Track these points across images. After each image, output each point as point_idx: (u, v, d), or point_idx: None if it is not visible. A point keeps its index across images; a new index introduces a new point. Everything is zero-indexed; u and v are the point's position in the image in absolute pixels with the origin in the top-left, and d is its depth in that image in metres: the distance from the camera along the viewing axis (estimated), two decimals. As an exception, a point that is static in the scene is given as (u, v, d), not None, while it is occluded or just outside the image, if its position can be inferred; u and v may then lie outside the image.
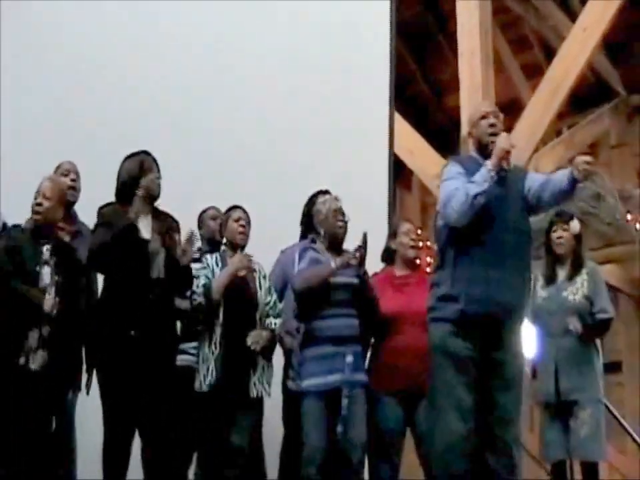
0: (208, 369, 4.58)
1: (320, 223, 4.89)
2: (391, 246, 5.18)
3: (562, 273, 5.44)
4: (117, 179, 4.57)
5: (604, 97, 12.41)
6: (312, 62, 6.56)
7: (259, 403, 4.75)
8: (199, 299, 4.64)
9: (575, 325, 5.22)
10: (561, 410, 5.26)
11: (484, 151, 4.21)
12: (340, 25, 6.81)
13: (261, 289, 4.83)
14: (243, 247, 4.89)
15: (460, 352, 4.05)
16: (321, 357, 4.65)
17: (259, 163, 6.18)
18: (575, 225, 5.45)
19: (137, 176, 4.51)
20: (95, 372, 4.45)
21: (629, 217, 9.93)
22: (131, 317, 4.32)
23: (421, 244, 9.43)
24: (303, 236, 5.31)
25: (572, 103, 10.57)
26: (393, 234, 5.24)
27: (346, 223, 4.86)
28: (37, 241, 4.43)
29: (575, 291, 5.36)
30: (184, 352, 4.90)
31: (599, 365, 5.35)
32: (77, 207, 5.02)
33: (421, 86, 13.70)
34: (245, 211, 4.93)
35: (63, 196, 4.65)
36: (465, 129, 4.46)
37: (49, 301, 4.29)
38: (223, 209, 5.08)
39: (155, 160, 4.60)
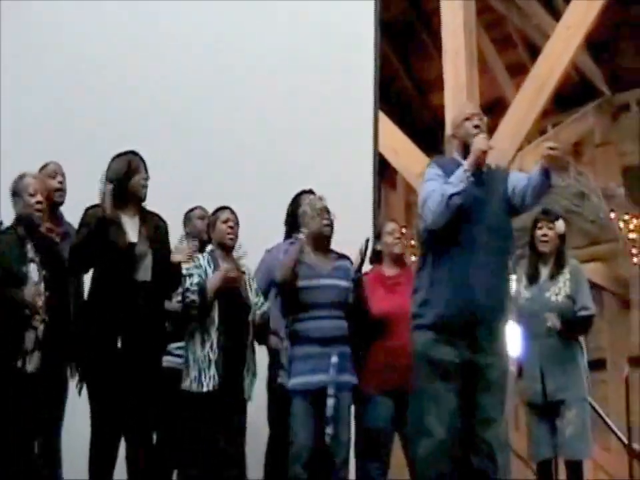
0: (202, 369, 4.58)
1: (306, 223, 4.89)
2: (376, 247, 5.19)
3: (544, 272, 5.45)
4: (104, 180, 4.55)
5: (588, 96, 12.44)
6: (296, 62, 6.55)
7: (245, 403, 4.76)
8: (193, 297, 4.64)
9: (553, 321, 5.24)
10: (547, 409, 5.27)
11: (467, 151, 4.20)
12: (324, 24, 6.79)
13: (251, 290, 4.85)
14: (231, 248, 4.89)
15: (443, 359, 4.04)
16: (306, 357, 4.67)
17: (243, 163, 6.17)
18: (561, 225, 5.47)
19: (124, 177, 4.50)
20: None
21: (612, 215, 9.96)
22: (117, 321, 4.31)
23: (405, 242, 9.48)
24: (288, 235, 5.31)
25: (556, 101, 10.59)
26: (377, 235, 5.25)
27: (332, 221, 4.86)
28: (22, 241, 4.41)
29: (558, 290, 5.37)
30: (168, 353, 4.88)
31: (583, 363, 5.38)
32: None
33: (405, 85, 13.71)
34: (233, 212, 4.93)
35: (51, 196, 4.66)
36: (449, 128, 4.44)
37: (29, 292, 4.27)
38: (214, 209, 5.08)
39: (142, 160, 4.58)
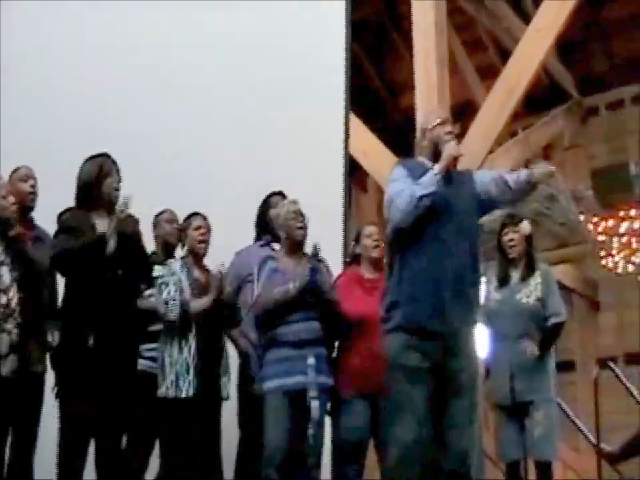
0: (180, 373, 4.56)
1: (279, 227, 4.88)
2: (355, 250, 5.19)
3: (515, 275, 5.48)
4: (76, 183, 4.54)
5: (558, 99, 12.52)
6: (266, 62, 6.54)
7: (221, 405, 4.77)
8: (173, 316, 4.62)
9: (531, 349, 5.28)
10: (515, 410, 5.29)
11: (437, 156, 4.20)
12: (294, 26, 6.79)
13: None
14: (203, 255, 4.88)
15: (413, 364, 4.02)
16: (280, 360, 4.66)
17: (213, 165, 6.14)
18: (525, 226, 5.48)
19: (96, 180, 4.47)
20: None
21: (581, 217, 10.01)
22: (88, 320, 4.28)
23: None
24: (258, 237, 5.30)
25: (526, 104, 10.62)
26: (356, 238, 5.24)
27: (305, 225, 4.85)
28: None
29: (529, 293, 5.39)
30: (139, 355, 4.86)
31: (552, 365, 5.40)
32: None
33: (376, 86, 13.73)
34: (205, 218, 4.92)
35: (23, 199, 4.67)
36: (418, 130, 4.44)
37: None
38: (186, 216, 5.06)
39: (114, 163, 4.57)
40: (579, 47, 12.07)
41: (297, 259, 4.80)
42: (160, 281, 4.68)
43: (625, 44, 12.05)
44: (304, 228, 4.84)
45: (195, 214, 4.94)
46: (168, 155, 6.01)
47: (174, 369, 4.59)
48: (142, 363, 4.83)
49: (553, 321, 5.41)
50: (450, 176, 4.10)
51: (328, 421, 4.88)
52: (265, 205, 5.27)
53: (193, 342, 4.61)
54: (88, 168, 4.53)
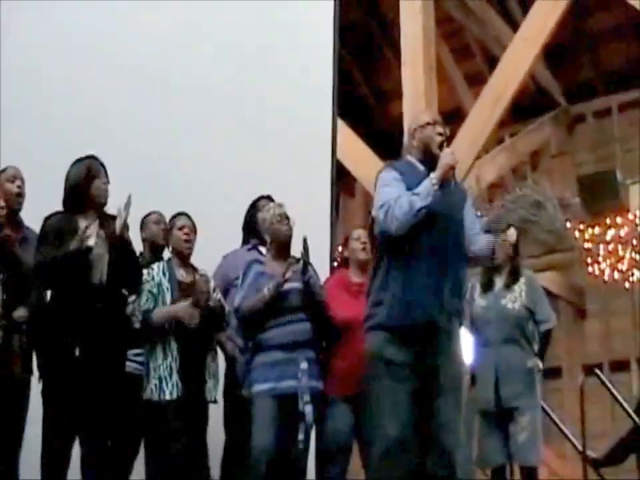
0: (163, 377, 4.56)
1: (265, 230, 4.88)
2: (343, 254, 5.20)
3: (499, 281, 5.50)
4: (64, 186, 4.52)
5: (545, 107, 12.58)
6: (253, 67, 6.53)
7: (207, 408, 4.75)
8: (137, 324, 4.63)
9: (537, 365, 5.33)
10: (500, 416, 5.31)
11: (427, 156, 4.19)
12: (283, 33, 6.78)
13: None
14: (188, 255, 4.87)
15: (397, 360, 4.01)
16: (272, 364, 4.63)
17: (202, 169, 6.13)
18: (512, 234, 5.47)
19: (84, 182, 4.47)
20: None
21: (568, 224, 10.05)
22: (73, 326, 4.26)
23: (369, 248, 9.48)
24: (245, 241, 5.31)
25: (514, 111, 10.67)
26: (344, 242, 5.24)
27: (291, 228, 4.86)
28: None
29: (514, 299, 5.41)
30: (127, 358, 4.86)
31: (536, 371, 5.42)
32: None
33: (364, 93, 13.75)
34: (189, 218, 4.91)
35: (10, 200, 4.65)
36: (407, 132, 4.43)
37: None
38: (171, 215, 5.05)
39: (102, 165, 4.55)
40: (566, 56, 12.13)
41: (282, 261, 4.80)
42: (139, 288, 4.70)
43: (612, 53, 12.12)
44: (289, 231, 4.84)
45: (180, 214, 4.93)
46: (155, 159, 5.97)
47: (157, 372, 4.58)
48: (130, 366, 4.83)
49: (544, 327, 5.44)
50: (443, 184, 4.09)
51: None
52: (253, 209, 5.28)
53: (175, 346, 4.59)
54: (75, 170, 4.50)
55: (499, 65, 8.79)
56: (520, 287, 5.45)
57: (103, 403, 4.31)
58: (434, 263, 4.04)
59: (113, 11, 6.04)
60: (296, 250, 4.84)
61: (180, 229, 4.85)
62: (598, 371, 7.64)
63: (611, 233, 10.04)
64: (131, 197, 4.37)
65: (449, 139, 4.31)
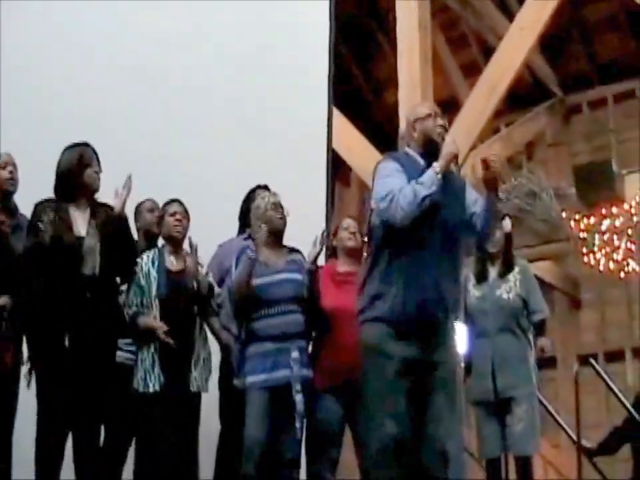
0: (147, 369, 4.56)
1: (259, 217, 4.88)
2: (332, 243, 5.19)
3: (493, 271, 5.50)
4: (55, 172, 4.50)
5: (541, 97, 12.58)
6: (250, 58, 6.53)
7: (197, 398, 4.72)
8: (127, 319, 4.64)
9: (547, 347, 5.35)
10: (496, 407, 5.31)
11: (427, 148, 4.14)
12: (279, 23, 6.77)
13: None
14: (180, 241, 4.85)
15: (395, 354, 3.96)
16: (264, 354, 4.62)
17: (199, 158, 6.13)
18: (507, 224, 5.48)
19: (76, 169, 4.44)
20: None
21: (563, 214, 10.06)
22: (64, 320, 4.26)
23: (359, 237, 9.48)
24: (241, 231, 5.30)
25: (509, 101, 10.67)
26: (334, 232, 5.23)
27: (285, 217, 4.85)
28: None
29: (509, 289, 5.42)
30: (118, 348, 4.85)
31: (532, 361, 5.43)
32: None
33: (359, 83, 13.74)
34: (181, 204, 4.89)
35: (2, 186, 4.63)
36: (403, 126, 4.39)
37: None
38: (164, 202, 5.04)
39: (95, 152, 4.53)
40: (562, 46, 12.13)
41: (275, 250, 4.80)
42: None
43: (607, 43, 12.12)
44: (283, 219, 4.84)
45: (172, 200, 4.91)
46: (152, 150, 5.98)
47: (143, 364, 4.58)
48: (121, 356, 4.82)
49: (537, 317, 5.45)
50: (445, 174, 4.06)
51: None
52: (249, 199, 5.27)
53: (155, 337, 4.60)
54: (67, 157, 4.48)
55: (495, 55, 8.79)
56: (514, 276, 5.45)
57: (94, 393, 4.30)
58: (437, 255, 3.99)
59: (113, 11, 6.04)
60: (289, 241, 4.84)
61: (172, 215, 4.85)
62: (593, 361, 7.65)
63: (606, 223, 10.03)
64: (131, 177, 4.36)
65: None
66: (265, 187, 5.26)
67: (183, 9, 6.34)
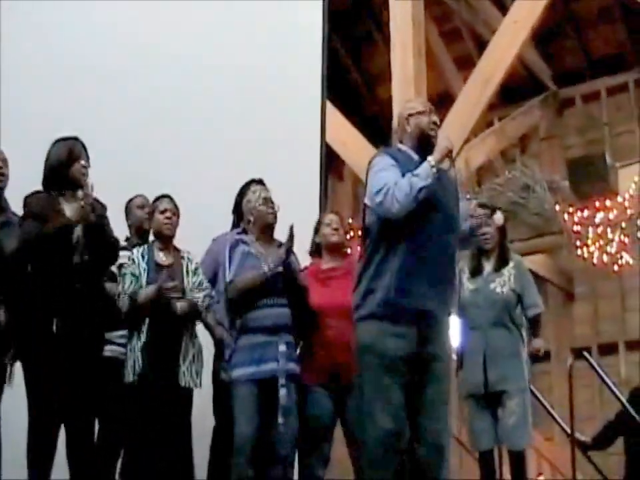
0: (135, 360, 4.56)
1: (250, 211, 4.88)
2: (315, 240, 5.18)
3: (488, 265, 5.50)
4: (44, 165, 4.49)
5: (534, 90, 12.59)
6: (242, 51, 6.52)
7: (188, 393, 4.72)
8: (124, 308, 4.62)
9: (542, 347, 5.38)
10: (488, 400, 5.32)
11: (421, 143, 4.15)
12: (272, 17, 6.78)
13: (187, 273, 4.81)
14: (170, 238, 4.86)
15: (390, 351, 3.96)
16: (252, 346, 4.62)
17: (192, 153, 6.13)
18: (499, 218, 5.48)
19: (65, 163, 4.43)
20: (19, 362, 4.38)
21: (557, 207, 10.06)
22: (52, 306, 4.25)
23: (352, 233, 9.48)
24: (235, 225, 5.30)
25: (503, 95, 10.69)
26: (316, 228, 5.22)
27: (275, 211, 4.85)
28: None
29: (503, 283, 5.42)
30: (110, 342, 4.83)
31: (525, 355, 5.44)
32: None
33: (353, 77, 13.73)
34: (172, 200, 4.89)
35: None
36: (397, 119, 4.39)
37: None
38: (152, 198, 5.04)
39: (84, 146, 4.52)
40: (555, 39, 12.13)
41: (266, 244, 4.80)
42: (122, 271, 4.68)
43: (600, 36, 12.13)
44: (274, 214, 4.84)
45: (162, 196, 4.91)
46: (145, 144, 5.97)
47: (132, 354, 4.58)
48: (114, 350, 4.82)
49: (532, 312, 5.46)
50: (439, 170, 4.06)
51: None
52: (243, 193, 5.26)
53: (145, 329, 4.59)
54: (56, 150, 4.47)
55: (488, 48, 8.79)
56: (509, 271, 5.46)
57: (85, 384, 4.29)
58: (430, 250, 4.00)
59: (113, 11, 6.03)
60: (280, 236, 4.84)
61: (162, 212, 4.84)
62: (587, 355, 7.66)
63: (599, 216, 10.02)
64: (93, 185, 4.34)
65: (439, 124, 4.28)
66: (260, 182, 5.25)
67: (180, 8, 6.33)
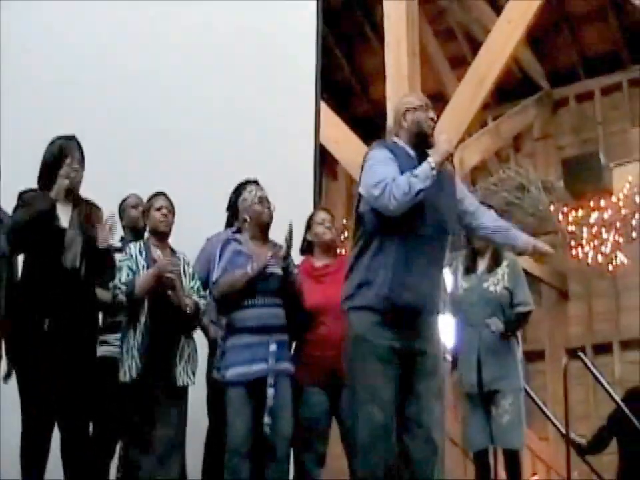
0: (132, 359, 4.54)
1: (245, 210, 4.87)
2: (307, 237, 5.16)
3: (482, 264, 5.50)
4: (40, 163, 4.48)
5: (528, 90, 12.60)
6: (239, 51, 6.52)
7: (184, 392, 4.70)
8: (121, 296, 4.58)
9: (497, 325, 5.30)
10: (482, 399, 5.32)
11: (417, 138, 4.13)
12: (266, 15, 6.77)
13: (185, 276, 4.79)
14: (166, 235, 4.84)
15: (381, 342, 3.96)
16: (244, 346, 4.59)
17: (186, 152, 6.11)
18: None
19: (56, 161, 4.42)
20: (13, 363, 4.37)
21: (551, 207, 10.08)
22: (44, 307, 4.24)
23: (346, 234, 9.48)
24: (229, 224, 5.28)
25: (497, 95, 10.69)
26: (307, 226, 5.20)
27: (271, 211, 4.84)
28: None
29: (496, 281, 5.42)
30: (106, 343, 4.84)
31: (519, 353, 5.44)
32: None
33: (347, 76, 13.73)
34: (167, 198, 4.87)
35: None
36: (390, 118, 4.38)
37: None
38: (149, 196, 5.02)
39: (79, 146, 4.51)
40: (548, 39, 12.14)
41: (260, 244, 4.78)
42: (119, 264, 4.67)
43: (594, 36, 12.15)
44: (269, 213, 4.82)
45: (158, 194, 4.89)
46: (140, 141, 5.95)
47: (128, 354, 4.56)
48: (110, 350, 4.81)
49: (520, 309, 5.44)
50: (439, 171, 4.05)
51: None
52: (238, 192, 5.24)
53: (142, 326, 4.57)
54: (49, 149, 4.48)
55: (483, 48, 8.77)
56: (503, 269, 5.46)
57: (78, 384, 4.28)
58: (425, 247, 4.00)
59: (113, 11, 6.01)
60: (274, 236, 4.82)
61: (158, 209, 4.83)
62: (581, 354, 7.67)
63: (594, 216, 10.05)
64: (114, 215, 4.48)
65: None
66: (255, 182, 5.24)
67: (173, 8, 6.31)
